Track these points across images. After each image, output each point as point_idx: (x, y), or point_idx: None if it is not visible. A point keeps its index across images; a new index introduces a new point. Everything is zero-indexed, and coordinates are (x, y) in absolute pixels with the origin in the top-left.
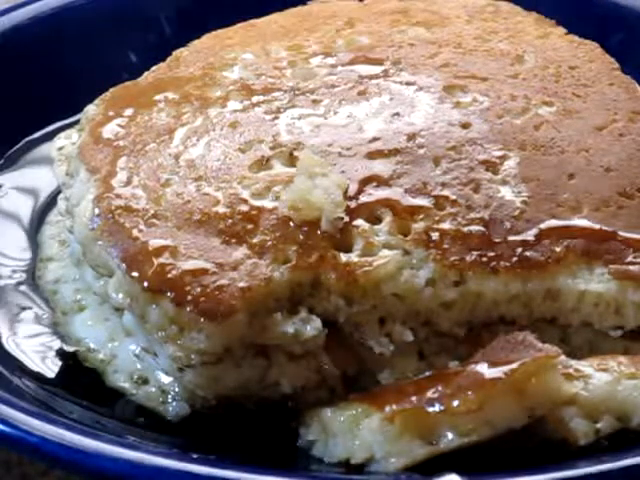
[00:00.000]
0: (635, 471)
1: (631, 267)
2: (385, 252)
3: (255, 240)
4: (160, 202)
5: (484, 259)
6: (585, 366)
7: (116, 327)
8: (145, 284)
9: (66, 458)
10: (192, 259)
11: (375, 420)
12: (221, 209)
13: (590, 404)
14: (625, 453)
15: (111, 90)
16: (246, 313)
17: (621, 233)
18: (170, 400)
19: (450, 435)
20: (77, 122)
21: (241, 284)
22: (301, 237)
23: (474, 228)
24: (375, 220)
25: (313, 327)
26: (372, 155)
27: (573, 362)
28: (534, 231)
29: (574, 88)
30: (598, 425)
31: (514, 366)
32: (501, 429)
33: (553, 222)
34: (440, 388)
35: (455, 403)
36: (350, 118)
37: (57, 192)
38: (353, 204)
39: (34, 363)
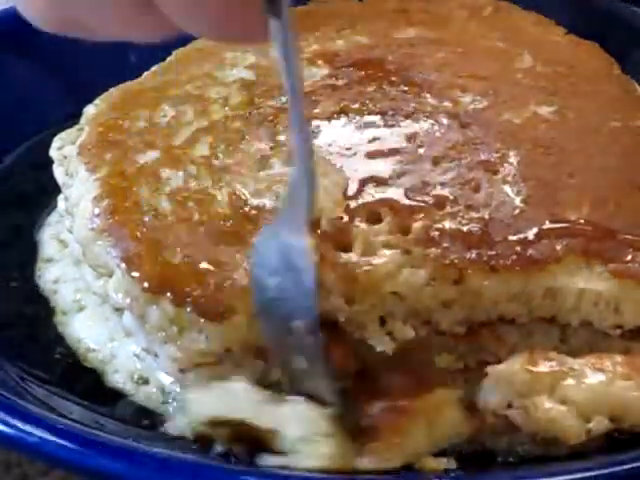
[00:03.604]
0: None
1: (631, 265)
2: (385, 251)
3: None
4: (160, 202)
5: (484, 258)
6: (580, 365)
7: (116, 327)
8: (145, 284)
9: (66, 458)
10: (192, 259)
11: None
12: (221, 209)
13: (583, 403)
14: (618, 455)
15: (111, 90)
16: (246, 314)
17: (621, 232)
18: (170, 400)
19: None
20: (77, 122)
21: (241, 285)
22: None
23: (474, 227)
24: (375, 220)
25: None
26: (372, 155)
27: (569, 360)
28: (534, 230)
29: (574, 87)
30: (590, 425)
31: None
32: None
33: (552, 221)
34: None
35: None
36: (350, 118)
37: (57, 193)
38: (353, 204)
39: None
